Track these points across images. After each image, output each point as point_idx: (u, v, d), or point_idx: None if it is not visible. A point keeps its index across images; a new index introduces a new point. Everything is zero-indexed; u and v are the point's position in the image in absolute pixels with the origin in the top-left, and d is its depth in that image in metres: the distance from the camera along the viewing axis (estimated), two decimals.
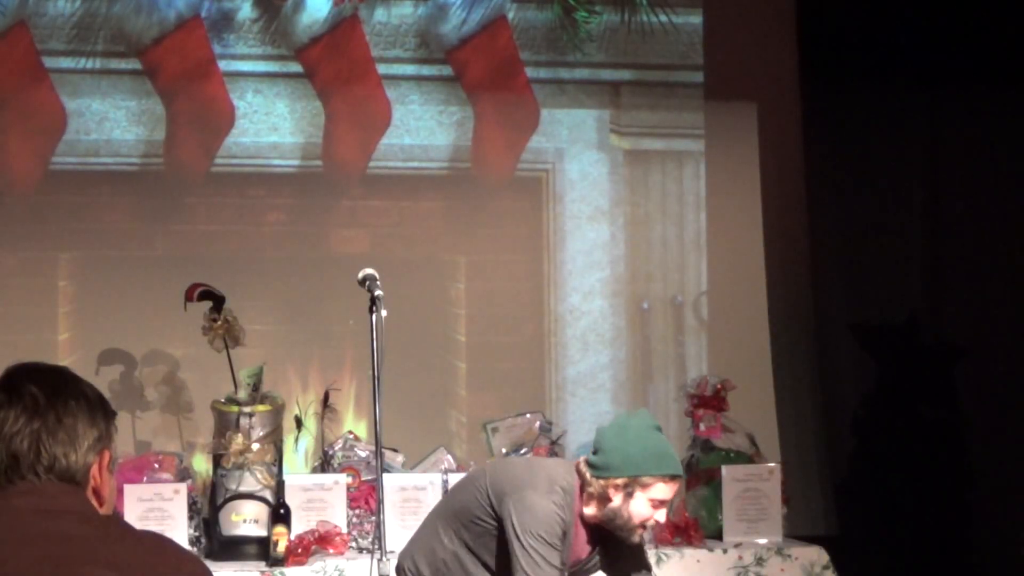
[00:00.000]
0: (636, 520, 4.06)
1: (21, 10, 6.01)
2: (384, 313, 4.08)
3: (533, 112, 6.39)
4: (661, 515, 4.09)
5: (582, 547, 4.16)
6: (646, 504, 4.05)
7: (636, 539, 4.14)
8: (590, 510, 4.09)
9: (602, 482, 4.05)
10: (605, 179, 6.45)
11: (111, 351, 5.93)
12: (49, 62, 6.04)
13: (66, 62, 6.06)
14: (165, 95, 6.11)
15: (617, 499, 4.04)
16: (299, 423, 5.65)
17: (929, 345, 7.03)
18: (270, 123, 6.20)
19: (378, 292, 4.05)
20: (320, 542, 5.10)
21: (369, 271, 4.15)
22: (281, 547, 5.00)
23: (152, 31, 6.09)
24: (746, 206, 6.54)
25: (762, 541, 5.38)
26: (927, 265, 7.05)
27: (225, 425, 5.15)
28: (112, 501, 2.32)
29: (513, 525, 3.98)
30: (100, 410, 2.29)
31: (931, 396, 7.01)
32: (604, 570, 4.24)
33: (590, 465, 4.08)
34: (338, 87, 6.23)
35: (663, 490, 4.05)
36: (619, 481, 4.03)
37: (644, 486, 4.03)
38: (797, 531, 5.71)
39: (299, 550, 5.01)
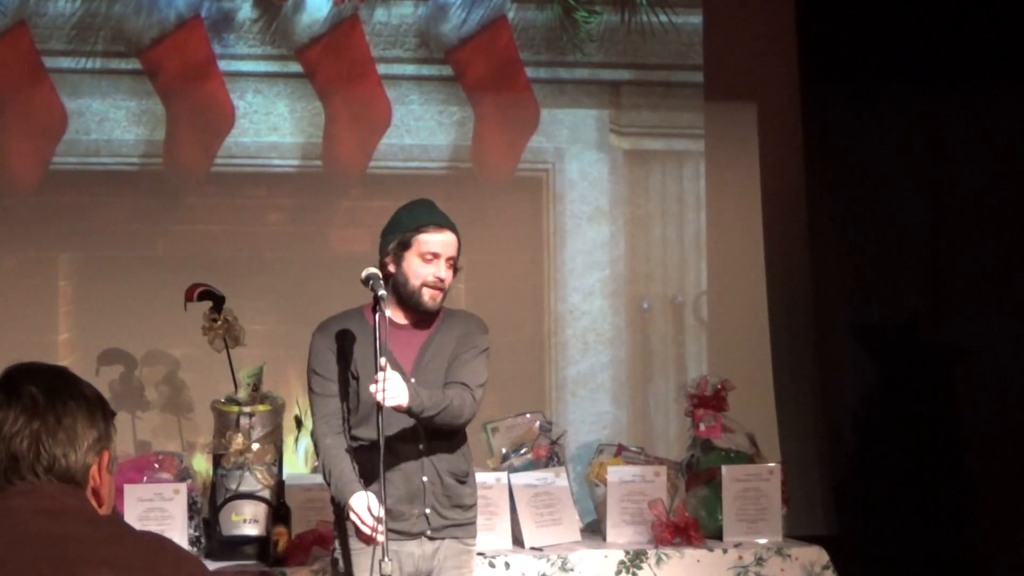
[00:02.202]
0: (414, 279, 4.20)
1: (21, 10, 6.01)
2: (388, 313, 4.08)
3: (533, 112, 6.39)
4: (440, 269, 4.20)
5: (413, 347, 4.25)
6: (418, 261, 4.19)
7: (428, 302, 4.22)
8: (391, 300, 4.19)
9: (380, 265, 4.21)
10: (605, 179, 6.45)
11: (111, 351, 5.93)
12: (49, 62, 6.04)
13: (66, 62, 6.06)
14: (165, 95, 6.11)
15: (392, 268, 4.21)
16: (299, 423, 5.65)
17: (929, 345, 7.03)
18: (270, 123, 6.20)
19: (381, 292, 4.06)
20: (320, 542, 5.09)
21: (373, 270, 4.16)
22: (281, 547, 5.00)
23: (152, 31, 6.09)
24: (746, 206, 6.54)
25: (762, 541, 5.38)
26: (927, 265, 7.05)
27: (225, 425, 5.15)
28: (111, 501, 2.32)
29: None
30: (99, 410, 2.29)
31: (931, 396, 7.01)
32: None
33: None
34: (338, 87, 6.23)
35: (430, 241, 4.19)
36: (389, 249, 4.21)
37: (407, 244, 4.19)
38: (797, 531, 5.71)
39: (299, 550, 5.01)
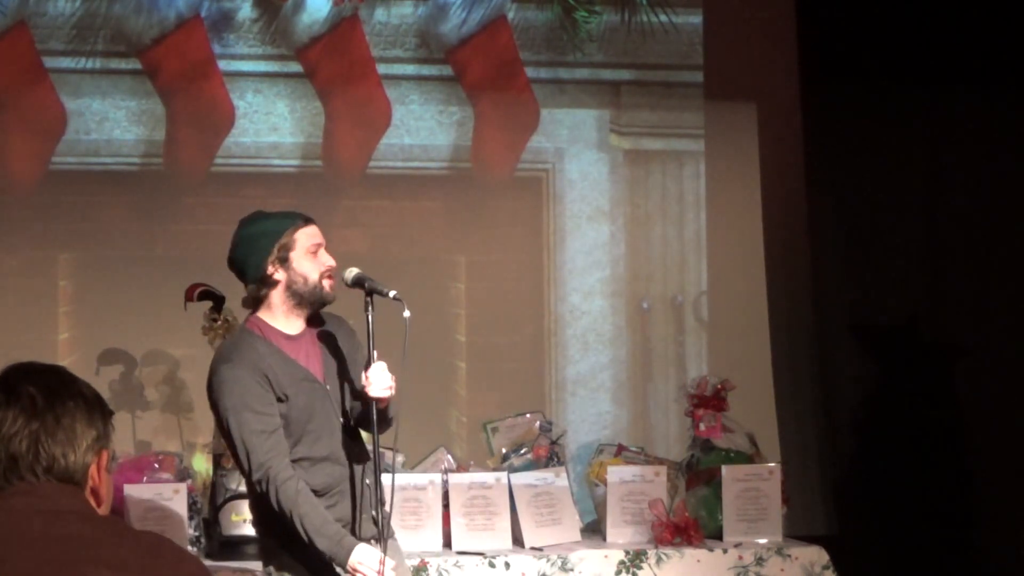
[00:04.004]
0: (312, 273, 4.14)
1: (21, 10, 6.01)
2: (407, 314, 4.03)
3: (533, 112, 6.39)
4: (327, 257, 4.17)
5: (313, 354, 4.17)
6: (306, 258, 4.14)
7: (330, 292, 4.16)
8: (279, 311, 4.13)
9: (260, 279, 4.12)
10: (605, 179, 6.45)
11: (111, 351, 5.93)
12: (49, 62, 6.04)
13: (66, 62, 6.06)
14: (165, 95, 6.11)
15: (281, 275, 4.12)
16: None
17: (929, 345, 7.03)
18: (270, 123, 6.20)
19: (392, 293, 4.06)
20: None
21: (356, 271, 4.17)
22: None
23: (152, 31, 6.09)
24: (746, 206, 6.54)
25: (762, 541, 5.38)
26: (927, 265, 7.05)
27: None
28: (110, 501, 2.32)
29: (217, 409, 4.07)
30: (98, 410, 2.29)
31: (931, 396, 7.01)
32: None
33: (247, 288, 4.17)
34: (338, 87, 6.23)
35: (308, 234, 4.15)
36: (271, 259, 4.12)
37: (290, 246, 4.13)
38: (797, 531, 5.71)
39: None
